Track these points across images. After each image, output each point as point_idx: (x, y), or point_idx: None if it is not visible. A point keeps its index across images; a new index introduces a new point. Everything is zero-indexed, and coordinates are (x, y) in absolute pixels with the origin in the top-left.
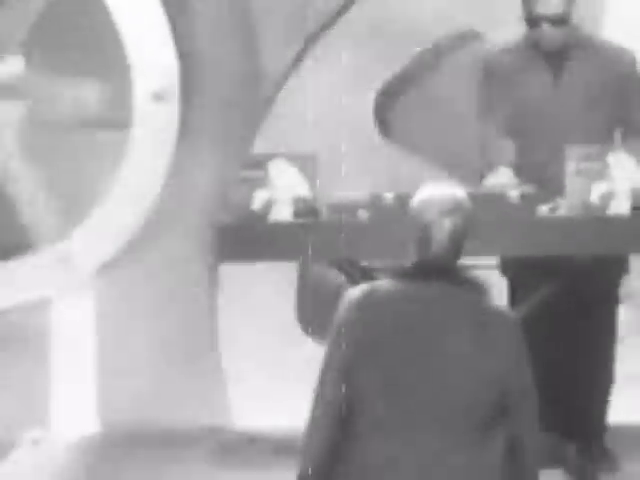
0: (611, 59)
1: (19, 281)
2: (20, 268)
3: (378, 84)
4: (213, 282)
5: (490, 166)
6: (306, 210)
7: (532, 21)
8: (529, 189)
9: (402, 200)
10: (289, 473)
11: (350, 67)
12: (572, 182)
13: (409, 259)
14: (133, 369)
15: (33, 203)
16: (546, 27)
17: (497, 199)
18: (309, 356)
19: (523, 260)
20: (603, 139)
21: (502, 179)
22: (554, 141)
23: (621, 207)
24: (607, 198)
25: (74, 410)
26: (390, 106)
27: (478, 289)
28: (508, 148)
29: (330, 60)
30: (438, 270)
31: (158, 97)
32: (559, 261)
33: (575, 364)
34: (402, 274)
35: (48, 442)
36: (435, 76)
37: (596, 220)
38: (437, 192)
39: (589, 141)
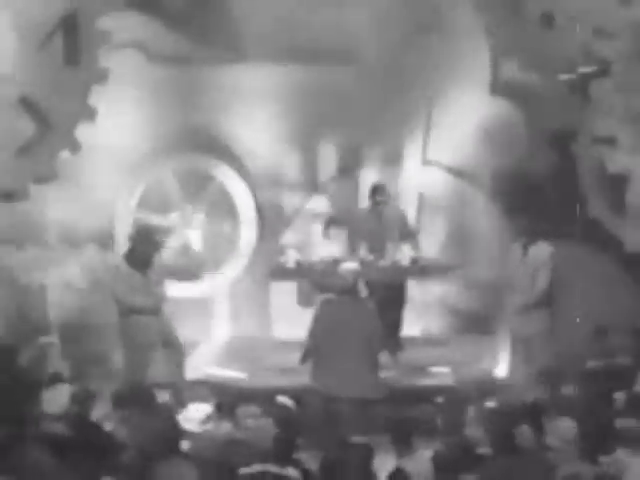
0: (397, 210)
1: (197, 288)
2: (197, 284)
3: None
4: (268, 286)
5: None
6: (298, 264)
7: (373, 199)
8: (373, 257)
9: (335, 264)
10: (298, 354)
11: None
12: (389, 253)
13: (338, 287)
14: (242, 316)
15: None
16: (378, 200)
17: (369, 262)
18: (303, 313)
19: (372, 282)
20: (397, 241)
21: (366, 256)
22: (380, 242)
23: (405, 261)
24: (395, 258)
25: (220, 331)
26: (329, 223)
27: (360, 295)
28: (362, 246)
29: None
30: (346, 291)
31: (249, 223)
32: (384, 283)
33: (389, 320)
34: (335, 293)
35: (211, 343)
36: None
37: (397, 266)
38: (345, 265)
39: (394, 242)
